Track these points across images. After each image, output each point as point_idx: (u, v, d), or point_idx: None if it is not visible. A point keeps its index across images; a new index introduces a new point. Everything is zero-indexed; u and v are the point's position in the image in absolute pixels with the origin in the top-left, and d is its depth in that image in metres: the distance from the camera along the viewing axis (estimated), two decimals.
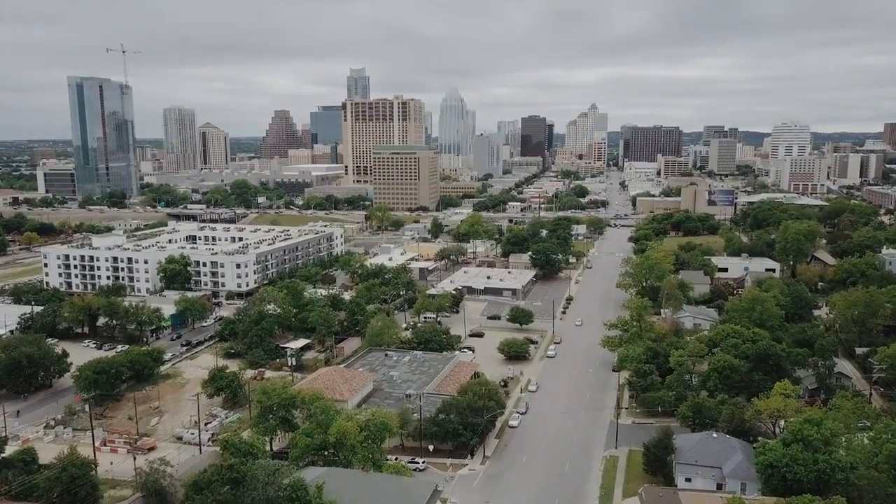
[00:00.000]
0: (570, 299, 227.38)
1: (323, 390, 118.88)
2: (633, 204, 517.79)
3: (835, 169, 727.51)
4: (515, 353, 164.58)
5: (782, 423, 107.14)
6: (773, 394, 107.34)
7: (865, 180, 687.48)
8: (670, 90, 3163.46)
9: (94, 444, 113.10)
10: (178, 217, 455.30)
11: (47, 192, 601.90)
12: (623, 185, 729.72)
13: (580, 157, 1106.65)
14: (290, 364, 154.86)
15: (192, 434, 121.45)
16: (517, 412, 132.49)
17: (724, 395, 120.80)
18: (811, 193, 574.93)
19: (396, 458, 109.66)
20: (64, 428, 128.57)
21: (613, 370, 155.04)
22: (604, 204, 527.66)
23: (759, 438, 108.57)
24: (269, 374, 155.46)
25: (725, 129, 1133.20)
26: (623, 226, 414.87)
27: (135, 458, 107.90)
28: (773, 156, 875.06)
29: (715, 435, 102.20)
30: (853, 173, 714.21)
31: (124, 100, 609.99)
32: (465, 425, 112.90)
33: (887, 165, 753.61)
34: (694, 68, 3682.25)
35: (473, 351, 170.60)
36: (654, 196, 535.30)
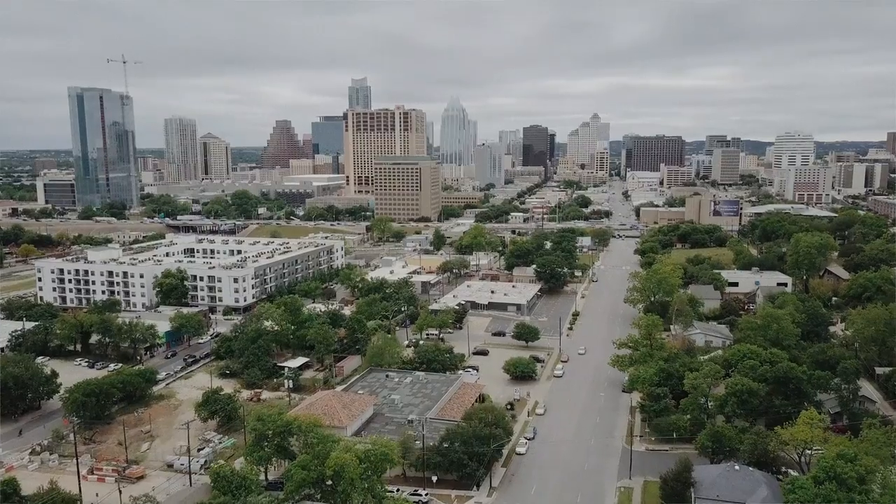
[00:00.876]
0: (576, 315, 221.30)
1: (321, 416, 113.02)
2: (637, 214, 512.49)
3: (839, 178, 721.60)
4: (521, 373, 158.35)
5: (808, 451, 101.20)
6: (798, 423, 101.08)
7: (871, 190, 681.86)
8: (672, 99, 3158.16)
9: (79, 472, 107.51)
10: (177, 228, 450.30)
11: (47, 202, 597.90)
12: (626, 195, 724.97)
13: (582, 166, 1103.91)
14: (287, 385, 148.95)
15: (183, 463, 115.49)
16: (525, 437, 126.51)
17: (743, 420, 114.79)
18: (817, 203, 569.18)
19: (398, 489, 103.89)
20: (50, 454, 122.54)
21: (623, 391, 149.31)
22: (607, 214, 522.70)
23: (784, 469, 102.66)
24: (266, 394, 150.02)
25: (728, 138, 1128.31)
26: (628, 237, 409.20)
27: (120, 492, 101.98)
28: (777, 165, 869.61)
29: (737, 467, 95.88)
30: (858, 183, 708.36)
31: (125, 110, 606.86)
32: (471, 455, 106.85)
33: (892, 175, 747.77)
34: (695, 77, 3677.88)
35: (477, 370, 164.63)
36: (657, 206, 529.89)
